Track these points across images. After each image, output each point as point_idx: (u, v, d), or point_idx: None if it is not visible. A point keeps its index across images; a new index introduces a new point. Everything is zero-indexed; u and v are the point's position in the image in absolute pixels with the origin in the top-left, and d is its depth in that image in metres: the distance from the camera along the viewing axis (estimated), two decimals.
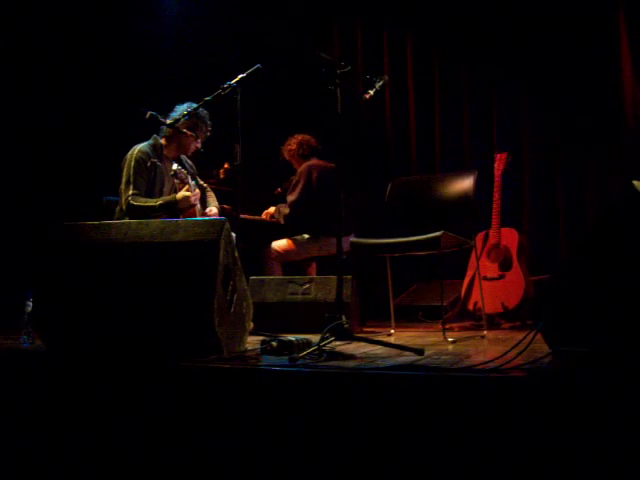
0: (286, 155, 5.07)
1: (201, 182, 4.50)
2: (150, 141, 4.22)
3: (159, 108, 4.21)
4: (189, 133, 4.24)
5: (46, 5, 5.43)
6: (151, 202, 4.03)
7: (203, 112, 4.23)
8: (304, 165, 4.90)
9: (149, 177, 4.12)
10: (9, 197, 5.12)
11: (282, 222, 4.89)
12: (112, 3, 5.71)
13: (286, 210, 4.86)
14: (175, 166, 4.00)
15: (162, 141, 4.25)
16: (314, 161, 4.92)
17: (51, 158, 5.37)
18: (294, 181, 4.88)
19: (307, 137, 5.02)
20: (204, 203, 4.45)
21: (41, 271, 2.77)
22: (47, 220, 4.24)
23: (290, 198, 4.86)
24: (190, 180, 4.10)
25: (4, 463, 2.43)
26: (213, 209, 4.42)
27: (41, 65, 5.38)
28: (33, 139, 5.29)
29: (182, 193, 4.05)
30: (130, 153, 4.13)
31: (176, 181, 4.08)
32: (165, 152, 4.25)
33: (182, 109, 4.20)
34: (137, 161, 4.08)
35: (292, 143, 5.02)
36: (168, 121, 4.12)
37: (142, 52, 5.89)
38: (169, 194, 4.17)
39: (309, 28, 6.43)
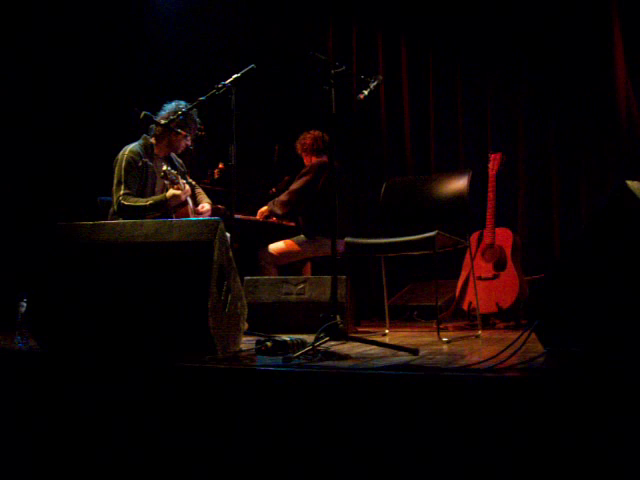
0: (299, 149, 5.04)
1: (190, 180, 4.50)
2: (140, 141, 4.23)
3: (151, 107, 4.22)
4: (183, 133, 4.24)
5: (46, 3, 5.43)
6: (142, 202, 4.04)
7: (184, 106, 4.21)
8: (318, 161, 4.87)
9: (140, 177, 4.13)
10: (4, 197, 5.11)
11: (278, 211, 4.85)
12: (110, 3, 5.71)
13: (284, 197, 4.83)
14: (165, 167, 4.01)
15: (152, 140, 4.25)
16: (327, 159, 4.88)
17: (46, 158, 5.36)
18: (303, 171, 4.85)
19: (322, 134, 4.98)
20: (194, 201, 4.46)
21: (35, 271, 2.76)
22: (41, 220, 4.24)
23: (292, 186, 4.83)
24: (180, 180, 4.11)
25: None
26: (205, 205, 4.41)
27: (39, 65, 5.37)
28: (29, 140, 5.28)
29: (172, 191, 4.06)
30: (121, 153, 4.14)
31: (166, 182, 4.08)
32: (156, 151, 4.25)
33: (171, 107, 4.21)
34: (128, 161, 4.08)
35: (307, 138, 4.99)
36: (163, 121, 4.12)
37: (138, 52, 5.89)
38: (161, 193, 4.17)
39: (304, 28, 6.43)
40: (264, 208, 4.95)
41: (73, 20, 5.54)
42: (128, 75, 5.78)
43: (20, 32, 5.29)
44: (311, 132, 5.00)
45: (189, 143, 4.36)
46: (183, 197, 4.10)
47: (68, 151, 5.44)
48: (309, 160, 4.97)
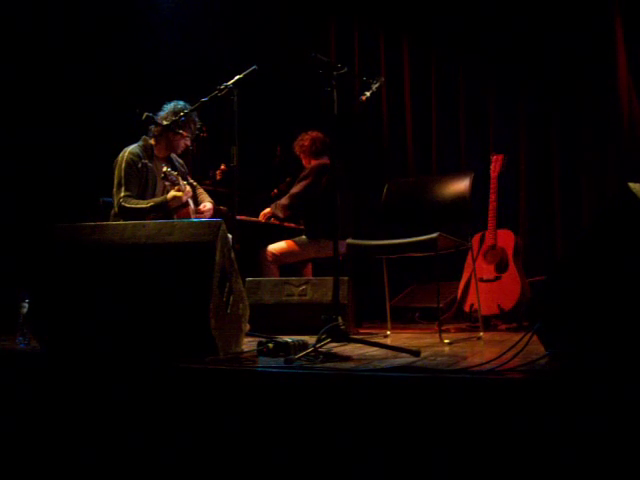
0: (297, 150, 5.02)
1: (191, 180, 4.51)
2: (140, 142, 4.23)
3: (153, 108, 4.22)
4: (185, 133, 4.25)
5: (46, 3, 5.44)
6: (142, 204, 4.04)
7: (184, 106, 4.21)
8: (318, 163, 4.85)
9: (140, 178, 4.13)
10: (5, 198, 5.11)
11: (280, 214, 4.85)
12: (109, 4, 5.71)
13: (286, 201, 4.83)
14: (165, 168, 4.02)
15: (152, 141, 4.25)
16: (327, 161, 4.88)
17: (48, 159, 5.36)
18: (302, 175, 4.84)
19: (320, 135, 4.97)
20: (195, 201, 4.46)
21: (37, 272, 2.77)
22: (43, 221, 4.24)
23: (293, 190, 4.83)
24: (181, 181, 4.11)
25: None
26: (207, 204, 4.41)
27: (39, 65, 5.38)
28: (30, 139, 5.28)
29: (172, 193, 4.06)
30: (121, 155, 4.14)
31: (167, 183, 4.09)
32: (155, 152, 4.25)
33: (169, 107, 4.22)
34: (128, 163, 4.09)
35: (305, 139, 4.97)
36: (164, 122, 4.13)
37: (140, 52, 5.89)
38: (161, 195, 4.17)
39: (306, 29, 6.43)
40: (267, 210, 4.96)
41: (74, 19, 5.54)
42: (130, 76, 5.77)
43: (21, 32, 5.29)
44: (309, 133, 4.98)
45: (188, 143, 4.36)
46: (184, 198, 4.10)
47: (70, 151, 5.44)
48: (308, 162, 4.95)
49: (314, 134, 4.96)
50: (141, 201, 4.07)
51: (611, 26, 5.33)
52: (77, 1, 5.56)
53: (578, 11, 5.42)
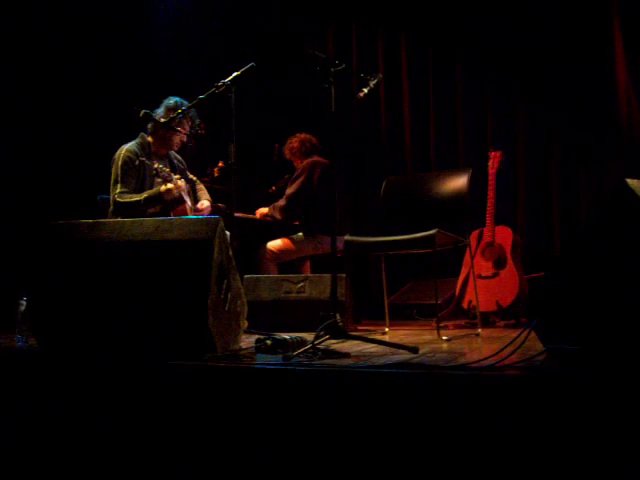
0: (287, 153, 5.05)
1: (191, 176, 4.50)
2: (137, 139, 4.23)
3: (150, 106, 4.22)
4: (183, 131, 4.24)
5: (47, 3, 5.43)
6: (136, 197, 4.06)
7: (181, 103, 4.21)
8: (308, 161, 4.87)
9: (138, 176, 4.14)
10: (3, 196, 5.10)
11: (278, 216, 4.86)
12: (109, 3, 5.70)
13: (282, 202, 4.84)
14: (156, 165, 4.04)
15: (149, 139, 4.26)
16: (317, 158, 4.90)
17: (46, 157, 5.36)
18: (295, 174, 4.86)
19: (308, 136, 5.01)
20: (195, 197, 4.46)
21: (35, 270, 2.76)
22: (41, 218, 4.24)
23: (288, 191, 4.84)
24: (173, 177, 4.12)
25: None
26: (205, 202, 4.42)
27: (40, 63, 5.37)
28: (28, 138, 5.28)
29: (165, 186, 4.07)
30: (118, 153, 4.15)
31: (158, 180, 4.10)
32: (153, 149, 4.26)
33: (167, 104, 4.22)
34: (124, 160, 4.10)
35: (294, 141, 5.00)
36: (162, 120, 4.12)
37: (138, 50, 5.89)
38: None
39: (304, 26, 6.43)
40: (265, 210, 4.96)
41: (74, 18, 5.53)
42: (128, 73, 5.77)
43: (20, 32, 5.28)
44: (297, 136, 5.01)
45: (184, 139, 4.36)
46: (175, 192, 4.10)
47: (68, 149, 5.44)
48: (299, 163, 4.97)
49: (302, 136, 5.00)
50: (135, 195, 4.08)
51: (610, 26, 5.33)
52: (77, 1, 5.56)
53: (577, 11, 5.41)
